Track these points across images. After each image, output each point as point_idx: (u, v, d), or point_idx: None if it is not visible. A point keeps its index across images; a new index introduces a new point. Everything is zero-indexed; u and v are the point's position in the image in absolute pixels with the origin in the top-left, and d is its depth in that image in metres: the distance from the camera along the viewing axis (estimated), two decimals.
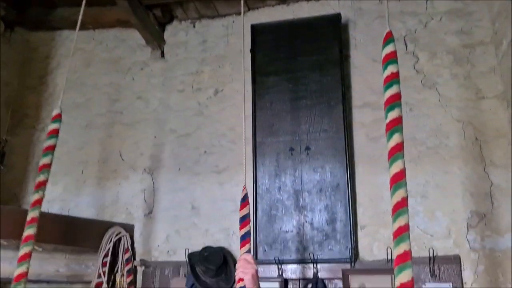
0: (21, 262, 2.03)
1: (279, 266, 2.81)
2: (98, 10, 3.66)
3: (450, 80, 2.95)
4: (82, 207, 3.42)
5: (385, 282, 2.60)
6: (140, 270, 3.15)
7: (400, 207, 1.31)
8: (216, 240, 3.06)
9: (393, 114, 1.43)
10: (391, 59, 1.51)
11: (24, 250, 2.05)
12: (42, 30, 3.99)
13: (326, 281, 2.73)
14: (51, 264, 2.90)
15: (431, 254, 2.56)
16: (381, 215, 2.79)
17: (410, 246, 1.27)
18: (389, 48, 1.53)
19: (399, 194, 1.32)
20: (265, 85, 3.20)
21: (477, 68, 2.92)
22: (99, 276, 2.99)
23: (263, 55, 3.28)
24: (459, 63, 2.97)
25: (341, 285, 2.69)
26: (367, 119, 3.03)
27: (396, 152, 1.38)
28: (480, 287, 2.52)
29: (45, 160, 2.21)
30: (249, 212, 1.99)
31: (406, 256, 1.25)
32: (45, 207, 2.51)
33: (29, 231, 2.08)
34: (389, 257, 2.62)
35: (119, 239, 3.11)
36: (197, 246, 3.00)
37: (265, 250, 2.89)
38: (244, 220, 1.97)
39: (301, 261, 2.80)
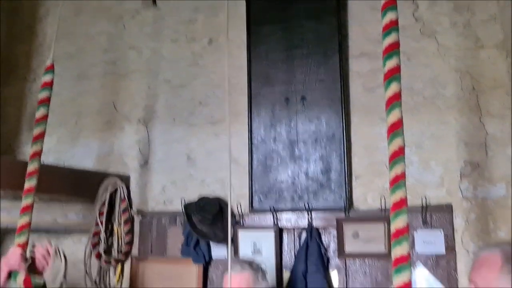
0: (24, 213, 2.06)
1: (274, 215, 2.85)
2: None
3: (449, 29, 2.88)
4: (78, 158, 3.43)
5: (378, 230, 2.65)
6: (137, 219, 3.20)
7: (397, 156, 1.31)
8: (212, 190, 3.09)
9: (391, 63, 1.41)
10: (391, 5, 1.47)
11: (26, 201, 2.07)
12: None
13: (320, 230, 2.79)
14: (49, 213, 2.94)
15: (424, 203, 2.60)
16: (376, 165, 2.80)
17: (406, 194, 1.28)
18: None
19: (396, 143, 1.32)
20: (260, 34, 3.12)
21: (477, 16, 2.85)
22: (97, 224, 3.04)
23: (257, 2, 3.18)
24: (459, 11, 2.90)
25: (335, 233, 2.74)
26: (364, 69, 2.98)
27: (394, 101, 1.37)
28: (470, 233, 2.58)
29: (41, 112, 2.19)
30: None
31: (402, 203, 1.27)
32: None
33: (30, 183, 2.09)
34: (383, 206, 2.66)
35: (115, 190, 3.13)
36: (193, 197, 3.03)
37: (260, 200, 2.92)
38: None
39: (296, 210, 2.84)
